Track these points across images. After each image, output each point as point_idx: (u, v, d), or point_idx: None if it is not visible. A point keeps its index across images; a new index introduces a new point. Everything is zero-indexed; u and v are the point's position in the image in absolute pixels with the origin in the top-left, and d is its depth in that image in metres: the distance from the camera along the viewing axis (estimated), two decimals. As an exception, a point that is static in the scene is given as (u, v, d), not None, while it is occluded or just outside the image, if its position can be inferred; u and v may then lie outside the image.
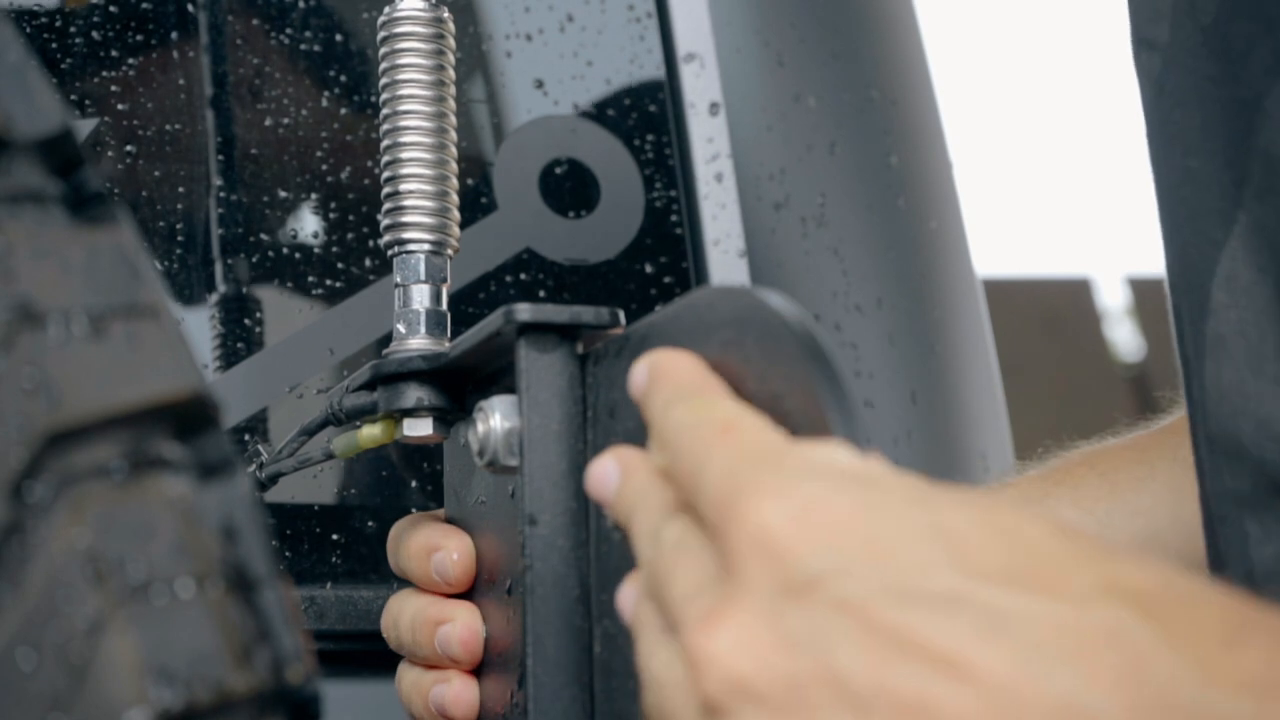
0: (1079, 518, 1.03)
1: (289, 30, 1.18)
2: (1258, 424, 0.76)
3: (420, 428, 0.86)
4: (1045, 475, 1.07)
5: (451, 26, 0.91)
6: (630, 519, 0.63)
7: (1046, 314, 4.69)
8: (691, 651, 0.54)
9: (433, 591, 0.88)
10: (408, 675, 0.89)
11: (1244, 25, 0.79)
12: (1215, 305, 0.81)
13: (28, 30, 1.12)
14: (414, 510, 0.98)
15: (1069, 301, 4.83)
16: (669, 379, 0.64)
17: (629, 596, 0.62)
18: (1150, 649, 0.50)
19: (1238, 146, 0.79)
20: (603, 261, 1.21)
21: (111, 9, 1.15)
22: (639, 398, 0.65)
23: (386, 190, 0.90)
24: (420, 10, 0.90)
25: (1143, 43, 0.88)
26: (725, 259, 1.22)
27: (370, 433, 0.88)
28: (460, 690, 0.85)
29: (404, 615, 0.88)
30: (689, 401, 0.62)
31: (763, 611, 0.53)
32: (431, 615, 0.86)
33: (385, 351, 0.88)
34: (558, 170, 1.22)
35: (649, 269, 1.21)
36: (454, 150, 0.91)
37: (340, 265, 1.16)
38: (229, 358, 1.13)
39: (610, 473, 0.65)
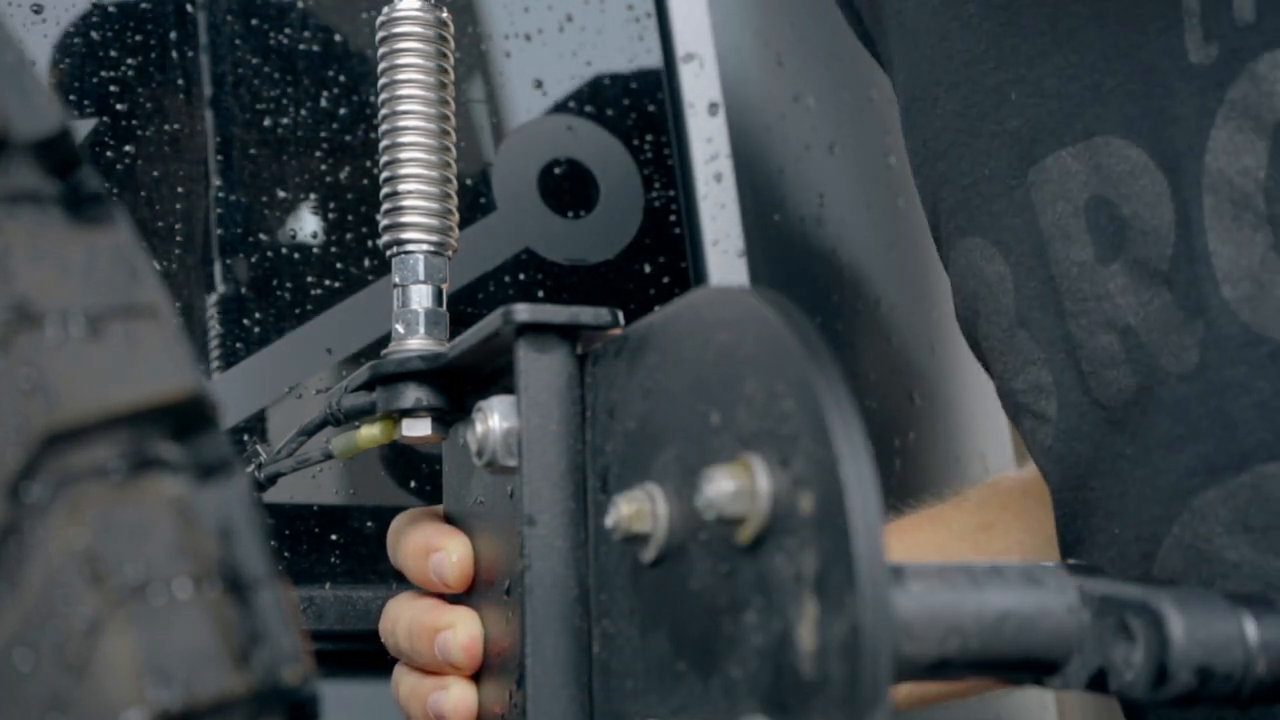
0: (1030, 540, 1.05)
1: (289, 30, 1.18)
2: None
3: (419, 428, 0.86)
4: (988, 500, 1.10)
5: (451, 27, 0.91)
6: None
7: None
8: None
9: (431, 591, 0.88)
10: (405, 680, 0.88)
11: (1162, 421, 0.81)
12: None
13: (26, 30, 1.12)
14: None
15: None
16: None
17: None
18: None
19: (1154, 525, 0.82)
20: (601, 262, 1.21)
21: (111, 9, 1.15)
22: None
23: (385, 190, 0.90)
24: (419, 10, 0.90)
25: (1023, 410, 0.90)
26: (724, 259, 1.22)
27: (369, 433, 0.88)
28: (459, 697, 0.84)
29: (402, 620, 0.87)
30: None
31: None
32: (430, 621, 0.85)
33: (384, 352, 0.88)
34: (557, 170, 1.22)
35: (648, 269, 1.21)
36: (453, 150, 0.91)
37: (339, 265, 1.16)
38: (228, 358, 1.13)
39: None
